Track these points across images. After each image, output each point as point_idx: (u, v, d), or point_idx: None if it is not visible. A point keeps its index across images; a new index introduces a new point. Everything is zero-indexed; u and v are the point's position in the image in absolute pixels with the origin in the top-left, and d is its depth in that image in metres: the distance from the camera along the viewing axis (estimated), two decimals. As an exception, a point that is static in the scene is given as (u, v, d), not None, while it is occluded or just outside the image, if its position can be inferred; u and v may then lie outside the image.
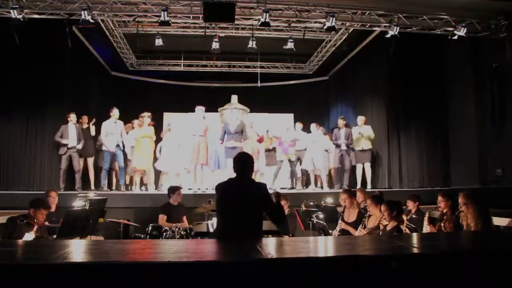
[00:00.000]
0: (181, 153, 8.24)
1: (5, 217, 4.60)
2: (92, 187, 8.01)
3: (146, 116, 8.16)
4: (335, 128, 8.95)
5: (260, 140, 8.46)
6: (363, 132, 8.64)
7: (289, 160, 9.13)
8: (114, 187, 8.42)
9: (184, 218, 5.88)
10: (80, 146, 7.79)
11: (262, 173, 8.82)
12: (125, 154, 8.24)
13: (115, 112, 8.09)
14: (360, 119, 8.85)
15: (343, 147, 8.58)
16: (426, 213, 4.72)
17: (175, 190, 5.97)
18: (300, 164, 9.13)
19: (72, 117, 7.78)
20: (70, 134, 7.70)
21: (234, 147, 7.52)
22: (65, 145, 7.66)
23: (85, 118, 8.22)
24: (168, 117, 11.33)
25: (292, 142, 8.99)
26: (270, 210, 3.30)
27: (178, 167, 8.32)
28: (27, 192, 7.17)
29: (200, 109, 8.07)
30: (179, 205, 5.90)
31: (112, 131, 8.00)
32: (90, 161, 8.22)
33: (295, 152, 9.07)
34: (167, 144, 8.37)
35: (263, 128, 9.04)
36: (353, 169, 8.86)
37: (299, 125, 9.41)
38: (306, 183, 9.45)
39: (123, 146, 8.15)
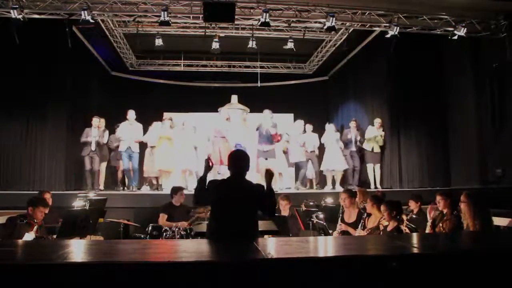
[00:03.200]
0: (196, 153, 8.35)
1: (5, 217, 4.60)
2: (102, 187, 8.23)
3: (167, 119, 8.48)
4: (345, 129, 9.17)
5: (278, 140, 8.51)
6: (379, 136, 8.77)
7: (296, 163, 9.09)
8: (125, 187, 8.57)
9: None
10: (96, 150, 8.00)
11: (280, 173, 8.72)
12: (140, 156, 8.41)
13: (130, 115, 8.27)
14: (377, 121, 8.88)
15: (353, 148, 8.66)
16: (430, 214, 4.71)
17: (177, 190, 5.96)
18: (313, 165, 9.06)
19: (95, 121, 8.00)
20: (93, 137, 7.94)
21: (268, 151, 7.57)
22: (88, 145, 7.90)
23: (102, 121, 8.30)
24: (174, 117, 11.31)
25: (303, 143, 8.96)
26: (263, 204, 3.15)
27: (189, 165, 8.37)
28: (27, 192, 7.15)
29: (223, 110, 8.36)
30: (181, 206, 5.89)
31: (126, 133, 8.14)
32: (103, 164, 8.40)
33: (306, 154, 8.95)
34: (182, 143, 8.43)
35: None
36: (362, 169, 8.92)
37: (309, 126, 9.30)
38: (321, 184, 9.37)
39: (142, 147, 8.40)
